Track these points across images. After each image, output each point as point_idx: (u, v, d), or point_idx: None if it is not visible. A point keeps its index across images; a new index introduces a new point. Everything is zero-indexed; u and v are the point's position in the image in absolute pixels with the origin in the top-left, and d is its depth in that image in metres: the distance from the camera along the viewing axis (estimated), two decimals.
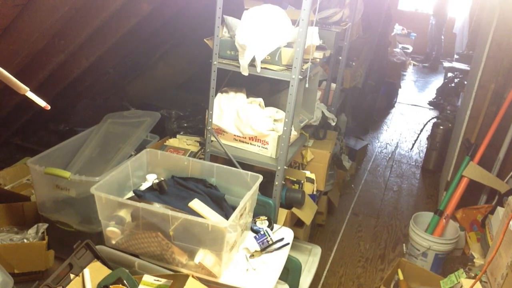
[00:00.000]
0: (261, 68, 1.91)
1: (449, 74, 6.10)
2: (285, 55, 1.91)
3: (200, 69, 3.29)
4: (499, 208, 2.26)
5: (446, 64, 6.35)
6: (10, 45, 1.87)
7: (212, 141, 2.23)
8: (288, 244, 1.84)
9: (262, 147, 2.16)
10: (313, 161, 2.69)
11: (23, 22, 1.78)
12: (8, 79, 1.11)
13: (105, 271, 1.57)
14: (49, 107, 1.20)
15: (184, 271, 1.61)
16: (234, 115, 2.13)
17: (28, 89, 1.15)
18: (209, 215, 1.66)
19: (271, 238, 1.77)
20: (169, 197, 1.77)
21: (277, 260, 1.76)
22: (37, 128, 2.91)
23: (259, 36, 1.86)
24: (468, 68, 5.04)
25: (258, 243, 1.76)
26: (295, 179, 2.56)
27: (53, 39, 2.02)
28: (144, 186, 1.89)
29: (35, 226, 1.93)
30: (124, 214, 1.65)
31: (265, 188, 2.13)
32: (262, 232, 1.79)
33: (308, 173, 2.65)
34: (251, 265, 1.70)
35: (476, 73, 2.87)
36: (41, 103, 1.19)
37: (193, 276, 1.49)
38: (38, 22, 1.81)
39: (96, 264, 1.59)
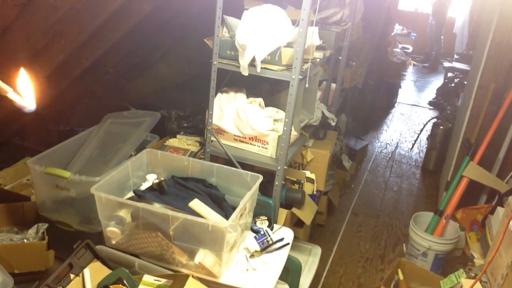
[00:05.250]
0: (261, 68, 1.91)
1: (449, 74, 6.10)
2: (285, 55, 1.91)
3: (200, 69, 3.28)
4: (499, 208, 2.26)
5: (446, 64, 6.35)
6: (10, 45, 1.87)
7: (212, 141, 2.23)
8: (288, 244, 1.84)
9: (262, 147, 2.16)
10: (313, 161, 2.69)
11: (23, 22, 1.77)
12: None
13: (105, 271, 1.57)
14: (33, 109, 1.16)
15: (184, 271, 1.61)
16: (234, 115, 2.13)
17: (9, 90, 1.12)
18: (209, 215, 1.66)
19: (271, 238, 1.77)
20: (169, 197, 1.77)
21: (277, 260, 1.76)
22: (37, 128, 2.91)
23: (259, 36, 1.86)
24: (468, 68, 5.04)
25: (258, 243, 1.76)
26: (295, 179, 2.56)
27: (53, 39, 2.02)
28: (144, 186, 1.89)
29: (35, 226, 1.92)
30: (124, 214, 1.65)
31: (265, 188, 2.13)
32: (262, 232, 1.79)
33: (308, 173, 2.65)
34: (251, 265, 1.70)
35: (476, 73, 2.87)
36: (25, 105, 1.15)
37: (193, 276, 1.49)
38: (38, 22, 1.81)
39: (96, 264, 1.59)
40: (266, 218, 1.92)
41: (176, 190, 1.86)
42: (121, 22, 2.22)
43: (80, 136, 2.34)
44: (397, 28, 8.06)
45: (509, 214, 1.77)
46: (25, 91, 1.16)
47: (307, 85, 2.03)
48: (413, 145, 4.85)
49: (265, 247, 1.77)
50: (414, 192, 3.90)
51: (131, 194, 1.85)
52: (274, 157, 2.14)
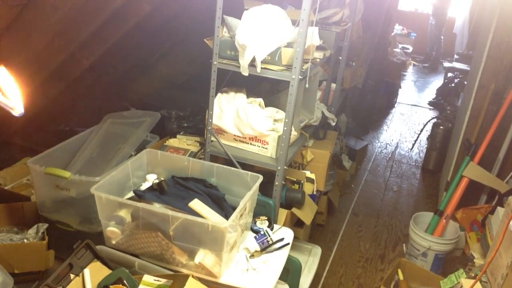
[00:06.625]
0: (261, 68, 1.91)
1: (449, 74, 6.10)
2: (285, 55, 1.91)
3: (200, 69, 3.28)
4: (499, 208, 2.26)
5: (446, 64, 6.35)
6: (10, 45, 1.87)
7: (212, 141, 2.23)
8: (288, 244, 1.84)
9: (262, 147, 2.16)
10: (313, 161, 2.69)
11: (23, 22, 1.77)
12: None
13: (105, 271, 1.57)
14: (22, 113, 1.14)
15: (184, 271, 1.61)
16: (234, 115, 2.13)
17: None
18: (209, 215, 1.66)
19: (271, 238, 1.77)
20: (169, 197, 1.77)
21: (277, 260, 1.76)
22: (37, 128, 2.91)
23: (259, 36, 1.86)
24: (468, 68, 5.04)
25: (258, 243, 1.76)
26: (295, 179, 2.56)
27: (53, 39, 2.02)
28: (144, 186, 1.89)
29: (35, 226, 1.92)
30: (124, 214, 1.65)
31: (265, 188, 2.13)
32: (262, 232, 1.79)
33: (308, 173, 2.65)
34: (251, 265, 1.70)
35: (476, 73, 2.87)
36: (13, 108, 1.13)
37: (193, 276, 1.49)
38: (38, 22, 1.81)
39: (96, 264, 1.59)
40: (266, 218, 1.92)
41: (176, 190, 1.86)
42: (121, 22, 2.22)
43: (80, 136, 2.34)
44: (397, 28, 8.06)
45: (509, 214, 1.77)
46: (12, 94, 1.14)
47: (307, 85, 2.03)
48: (413, 145, 4.85)
49: (265, 247, 1.77)
50: (414, 192, 3.90)
51: (131, 194, 1.85)
52: (274, 157, 2.14)
